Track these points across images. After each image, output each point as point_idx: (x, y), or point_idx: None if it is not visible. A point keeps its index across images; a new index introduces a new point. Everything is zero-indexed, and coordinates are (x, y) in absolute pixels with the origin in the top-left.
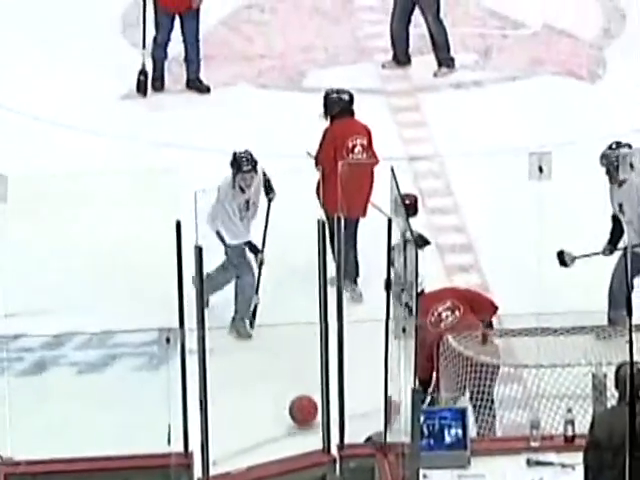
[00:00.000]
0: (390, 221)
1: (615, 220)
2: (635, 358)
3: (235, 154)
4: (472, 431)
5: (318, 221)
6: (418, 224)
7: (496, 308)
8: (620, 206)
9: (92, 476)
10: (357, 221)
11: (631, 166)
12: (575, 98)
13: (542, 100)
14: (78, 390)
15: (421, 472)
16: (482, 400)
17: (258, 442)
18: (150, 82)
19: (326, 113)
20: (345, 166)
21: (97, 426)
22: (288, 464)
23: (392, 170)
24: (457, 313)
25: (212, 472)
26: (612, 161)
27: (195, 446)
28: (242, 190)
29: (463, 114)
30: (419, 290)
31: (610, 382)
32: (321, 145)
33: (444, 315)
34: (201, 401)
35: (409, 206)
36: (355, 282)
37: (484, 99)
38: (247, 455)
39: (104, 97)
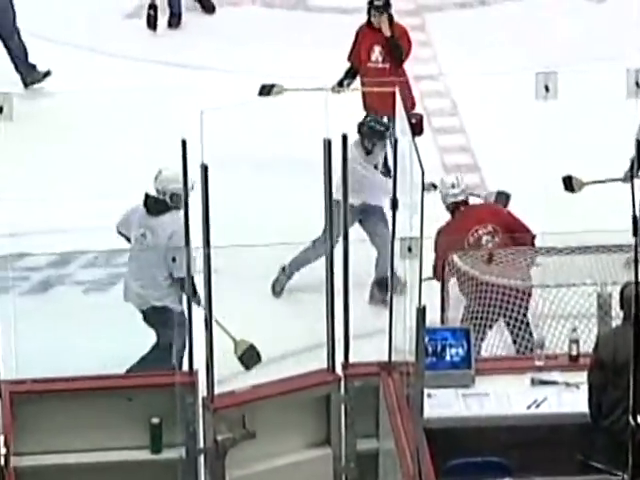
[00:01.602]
0: (397, 141)
1: (638, 145)
2: None
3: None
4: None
5: (324, 140)
6: (424, 143)
7: (533, 235)
8: None
9: (97, 394)
10: None
11: None
12: (582, 18)
13: (548, 19)
14: (83, 309)
15: (425, 391)
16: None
17: (263, 361)
18: (167, 19)
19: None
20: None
21: (102, 345)
22: (292, 383)
23: (398, 90)
24: (497, 239)
25: (217, 390)
26: None
27: (200, 364)
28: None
29: (468, 33)
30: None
31: (615, 302)
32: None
33: (484, 240)
34: (206, 320)
35: (415, 125)
36: None
37: (490, 18)
38: (251, 374)
39: (109, 15)
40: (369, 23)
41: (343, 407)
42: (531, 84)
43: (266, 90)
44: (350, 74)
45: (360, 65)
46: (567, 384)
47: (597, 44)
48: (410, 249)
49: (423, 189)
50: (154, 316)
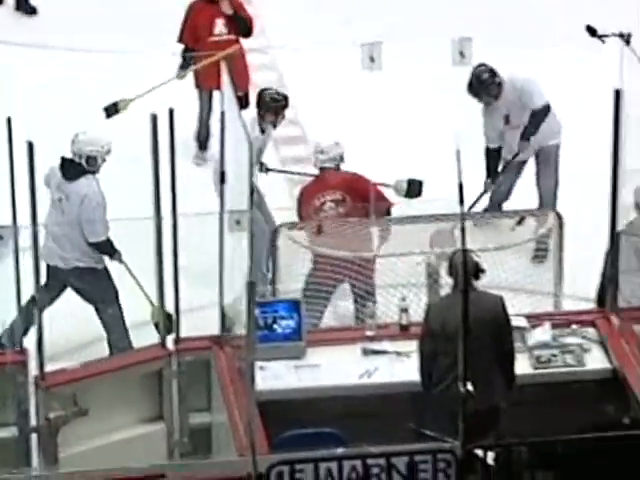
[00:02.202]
0: (223, 115)
1: (489, 153)
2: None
3: None
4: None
5: (150, 115)
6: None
7: (389, 204)
8: (507, 117)
9: None
10: None
11: (499, 84)
12: None
13: None
14: None
15: (257, 364)
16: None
17: (94, 338)
18: None
19: None
20: None
21: None
22: (124, 359)
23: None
24: (340, 209)
25: (48, 368)
26: (484, 84)
27: (30, 343)
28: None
29: (296, 6)
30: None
31: (444, 270)
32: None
33: (327, 207)
34: (36, 298)
35: (241, 98)
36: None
37: None
38: (83, 351)
39: None
40: None
41: (175, 382)
42: (357, 56)
43: (112, 110)
44: (188, 54)
45: (197, 42)
46: (398, 353)
47: (424, 18)
48: (238, 222)
49: (251, 164)
50: (81, 277)
